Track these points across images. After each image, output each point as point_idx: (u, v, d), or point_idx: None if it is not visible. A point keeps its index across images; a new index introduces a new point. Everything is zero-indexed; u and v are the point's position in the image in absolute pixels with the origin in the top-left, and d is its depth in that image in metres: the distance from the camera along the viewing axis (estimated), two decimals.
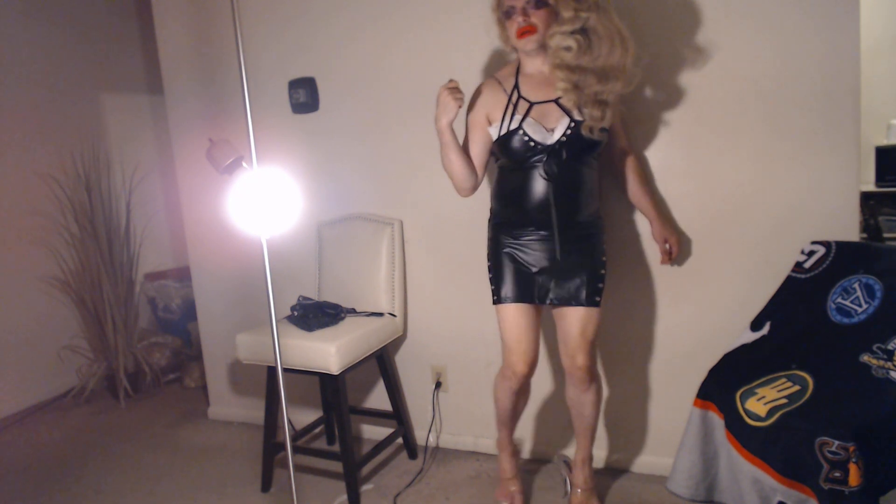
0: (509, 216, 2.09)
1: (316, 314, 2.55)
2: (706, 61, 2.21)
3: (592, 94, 1.93)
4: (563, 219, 2.03)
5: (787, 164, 2.17)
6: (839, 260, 2.00)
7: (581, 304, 2.07)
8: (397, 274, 2.70)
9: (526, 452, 2.69)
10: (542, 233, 2.05)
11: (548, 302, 2.10)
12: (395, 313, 2.68)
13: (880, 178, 3.87)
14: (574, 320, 2.09)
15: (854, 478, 1.55)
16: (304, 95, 2.80)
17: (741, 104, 2.19)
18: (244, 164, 1.91)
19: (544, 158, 1.99)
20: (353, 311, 2.67)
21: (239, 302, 3.15)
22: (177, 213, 3.60)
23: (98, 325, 3.75)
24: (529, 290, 2.07)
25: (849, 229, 2.12)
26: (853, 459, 1.56)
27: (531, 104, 2.00)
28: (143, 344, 3.89)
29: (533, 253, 2.06)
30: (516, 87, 2.03)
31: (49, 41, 3.78)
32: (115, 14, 4.17)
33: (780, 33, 2.11)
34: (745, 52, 2.16)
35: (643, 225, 2.36)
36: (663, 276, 2.38)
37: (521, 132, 1.98)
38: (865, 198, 3.52)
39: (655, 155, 2.33)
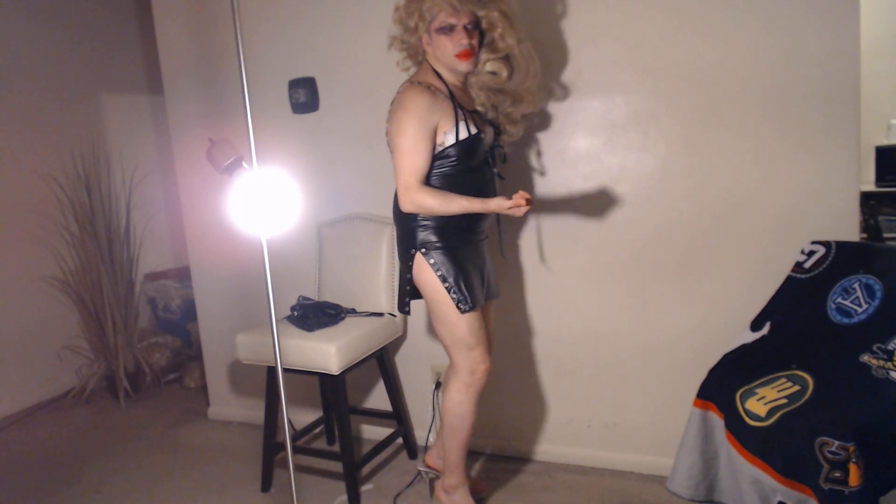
0: (468, 221, 2.05)
1: (316, 314, 2.55)
2: (706, 61, 2.21)
3: (505, 113, 2.09)
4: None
5: (787, 163, 2.17)
6: (839, 260, 2.00)
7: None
8: (397, 274, 2.69)
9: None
10: (485, 231, 2.16)
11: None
12: (394, 313, 2.68)
13: (880, 178, 3.87)
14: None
15: (854, 478, 1.55)
16: (304, 95, 2.80)
17: (741, 104, 2.19)
18: (244, 164, 1.91)
19: (489, 160, 2.09)
20: (353, 311, 2.67)
21: (239, 302, 3.15)
22: (177, 213, 3.60)
23: (98, 325, 3.75)
24: (483, 288, 2.14)
25: (849, 229, 2.12)
26: (853, 459, 1.56)
27: (469, 112, 2.04)
28: (143, 344, 3.89)
29: (481, 251, 2.14)
30: (452, 94, 2.02)
31: (49, 41, 3.78)
32: (115, 14, 4.18)
33: (781, 33, 2.11)
34: (746, 51, 2.16)
35: (644, 228, 2.37)
36: (663, 276, 2.38)
37: (481, 135, 2.02)
38: (865, 198, 3.52)
39: (656, 154, 2.33)
